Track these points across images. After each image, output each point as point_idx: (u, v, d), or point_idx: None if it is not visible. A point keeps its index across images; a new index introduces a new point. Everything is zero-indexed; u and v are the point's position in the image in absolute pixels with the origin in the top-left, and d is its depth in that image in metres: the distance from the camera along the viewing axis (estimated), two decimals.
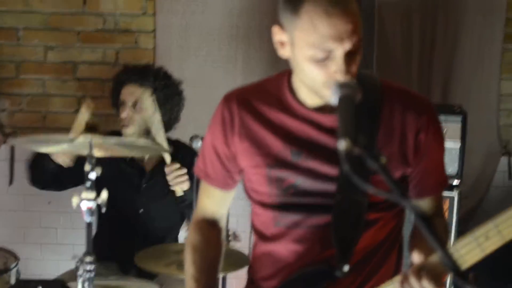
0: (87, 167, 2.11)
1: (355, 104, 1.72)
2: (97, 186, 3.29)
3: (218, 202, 2.13)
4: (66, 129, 4.02)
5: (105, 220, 2.96)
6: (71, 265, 3.92)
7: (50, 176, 3.27)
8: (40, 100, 4.19)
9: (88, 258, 2.11)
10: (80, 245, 3.66)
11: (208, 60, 4.16)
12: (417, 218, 1.43)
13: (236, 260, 2.76)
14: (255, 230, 2.07)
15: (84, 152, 2.17)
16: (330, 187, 1.89)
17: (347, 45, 1.74)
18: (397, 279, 1.77)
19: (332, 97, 1.76)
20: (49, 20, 4.16)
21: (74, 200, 2.12)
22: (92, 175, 2.12)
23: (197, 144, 3.25)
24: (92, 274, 2.12)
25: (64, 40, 4.17)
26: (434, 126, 1.95)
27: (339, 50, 1.75)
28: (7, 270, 3.28)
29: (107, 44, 4.16)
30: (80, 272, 2.13)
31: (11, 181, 4.18)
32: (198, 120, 3.87)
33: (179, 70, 3.85)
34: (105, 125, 4.06)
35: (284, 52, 1.86)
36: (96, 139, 2.23)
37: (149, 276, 3.09)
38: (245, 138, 1.96)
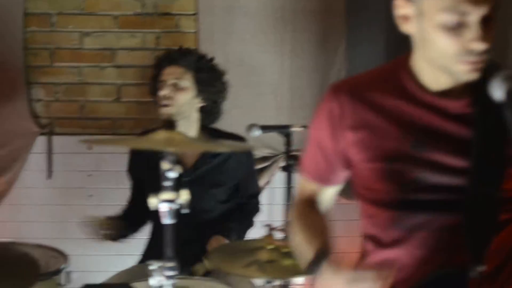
0: (165, 165, 2.04)
1: None
2: (139, 186, 3.30)
3: (319, 197, 2.07)
4: (106, 119, 4.00)
5: (157, 219, 2.92)
6: (116, 261, 3.93)
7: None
8: (77, 89, 4.13)
9: (170, 263, 2.04)
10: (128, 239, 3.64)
11: (253, 43, 4.06)
12: None
13: None
14: (367, 235, 1.98)
15: (161, 148, 2.09)
16: (458, 181, 1.78)
17: (483, 9, 1.65)
18: None
19: (496, 92, 1.65)
20: (84, 5, 4.09)
21: (153, 201, 2.05)
22: (172, 174, 2.04)
23: (254, 134, 3.19)
24: (174, 280, 2.05)
25: (100, 26, 4.09)
26: None
27: (475, 14, 1.65)
28: (58, 271, 3.24)
29: (146, 28, 4.08)
30: (159, 278, 2.05)
31: (49, 175, 4.10)
32: (244, 107, 3.82)
33: (222, 54, 3.79)
34: (146, 113, 4.01)
35: (407, 27, 1.77)
36: (175, 135, 2.14)
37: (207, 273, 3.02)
38: (359, 131, 1.87)
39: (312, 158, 2.02)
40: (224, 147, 2.23)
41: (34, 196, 4.19)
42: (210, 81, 3.36)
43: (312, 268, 1.83)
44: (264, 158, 3.96)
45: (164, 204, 2.04)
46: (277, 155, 3.97)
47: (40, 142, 4.12)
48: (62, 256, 3.45)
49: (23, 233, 4.14)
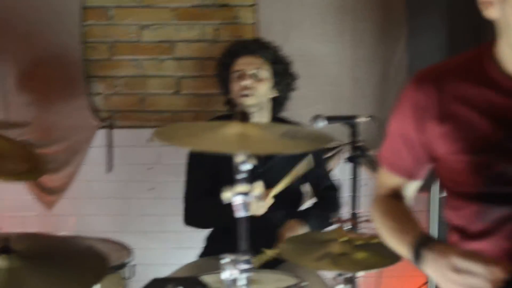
0: (239, 158, 2.02)
1: None
2: (216, 177, 3.28)
3: (402, 191, 2.04)
4: (165, 112, 4.02)
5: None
6: (177, 254, 3.96)
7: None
8: (136, 82, 4.15)
9: (245, 257, 2.04)
10: (184, 232, 3.66)
11: (313, 34, 4.05)
12: None
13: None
14: (453, 226, 1.95)
15: (235, 151, 2.05)
16: None
17: None
18: None
19: None
20: None
21: (226, 194, 2.05)
22: (246, 167, 2.03)
23: (319, 125, 3.17)
24: (248, 274, 2.05)
25: (159, 18, 4.11)
26: None
27: None
28: (122, 265, 3.28)
29: (205, 20, 4.08)
30: (233, 272, 2.05)
31: (110, 168, 4.14)
32: (304, 98, 3.81)
33: (282, 45, 3.76)
34: (205, 106, 4.03)
35: (490, 12, 1.73)
36: (250, 129, 2.10)
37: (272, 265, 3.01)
38: (445, 122, 1.84)
39: (395, 151, 1.99)
40: (303, 145, 2.14)
41: (95, 190, 4.23)
42: (285, 72, 3.41)
43: (416, 255, 1.80)
44: (327, 149, 3.94)
45: (238, 197, 2.03)
46: (340, 145, 3.95)
47: (100, 135, 4.14)
48: (125, 249, 3.49)
49: (84, 227, 4.20)
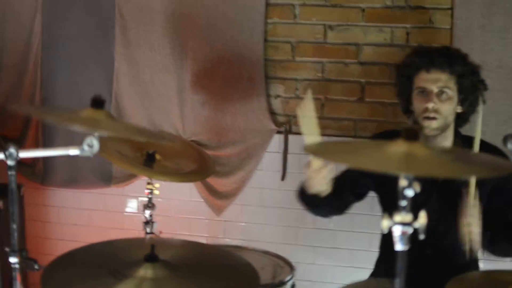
0: (403, 182, 1.89)
1: None
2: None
3: None
4: (347, 120, 3.95)
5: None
6: (345, 273, 3.89)
7: (316, 207, 3.29)
8: (318, 86, 4.14)
9: None
10: (359, 250, 3.57)
11: None
12: None
13: None
14: None
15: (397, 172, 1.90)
16: None
17: None
18: None
19: None
20: None
21: (385, 223, 1.93)
22: (409, 192, 1.90)
23: (510, 147, 2.96)
24: None
25: (346, 19, 4.07)
26: None
27: None
28: (282, 283, 3.25)
29: (396, 23, 4.01)
30: None
31: (284, 176, 4.13)
32: (499, 114, 3.62)
33: (479, 54, 3.62)
34: (391, 116, 3.93)
35: None
36: (418, 149, 1.94)
37: None
38: None
39: None
40: (477, 172, 1.93)
41: (266, 198, 4.28)
42: (473, 86, 3.17)
43: None
44: None
45: (399, 227, 1.90)
46: None
47: (276, 141, 4.14)
48: (288, 266, 3.47)
49: (252, 235, 4.24)
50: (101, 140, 2.30)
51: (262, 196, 4.26)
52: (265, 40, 4.14)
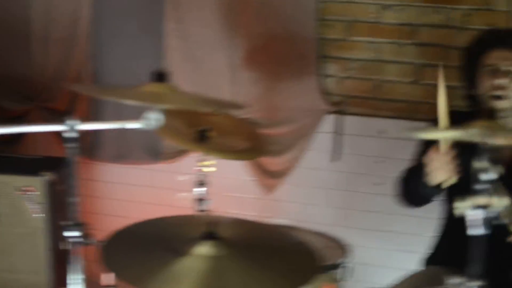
0: (479, 164, 1.87)
1: None
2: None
3: None
4: (401, 101, 3.93)
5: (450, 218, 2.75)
6: (398, 257, 3.88)
7: (422, 199, 3.10)
8: (372, 67, 4.16)
9: (475, 283, 1.89)
10: (410, 234, 3.55)
11: None
12: None
13: None
14: None
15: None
16: None
17: None
18: None
19: None
20: None
21: (459, 205, 1.90)
22: (487, 176, 1.87)
23: None
24: None
25: None
26: None
27: None
28: (336, 265, 3.24)
29: (452, 4, 3.98)
30: None
31: (336, 157, 4.12)
32: None
33: None
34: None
35: None
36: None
37: None
38: None
39: None
40: None
41: (317, 178, 4.31)
42: None
43: None
44: None
45: (475, 211, 1.88)
46: None
47: (328, 121, 4.13)
48: (342, 248, 3.46)
49: (302, 216, 4.26)
50: None
51: (313, 176, 4.29)
52: (321, 19, 4.11)
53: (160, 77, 2.40)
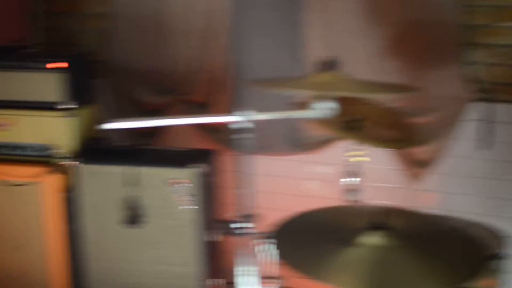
0: None
1: None
2: None
3: None
4: None
5: None
6: None
7: None
8: None
9: None
10: None
11: None
12: None
13: None
14: None
15: None
16: None
17: None
18: None
19: None
20: None
21: None
22: None
23: None
24: None
25: None
26: None
27: None
28: (493, 256, 3.16)
29: None
30: None
31: (488, 145, 4.04)
32: None
33: None
34: None
35: None
36: None
37: None
38: None
39: None
40: None
41: (464, 167, 4.25)
42: None
43: None
44: None
45: None
46: None
47: (475, 108, 4.05)
48: (497, 237, 3.37)
49: (449, 206, 4.18)
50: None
51: (459, 165, 4.23)
52: (469, 5, 4.03)
53: (330, 65, 2.40)
